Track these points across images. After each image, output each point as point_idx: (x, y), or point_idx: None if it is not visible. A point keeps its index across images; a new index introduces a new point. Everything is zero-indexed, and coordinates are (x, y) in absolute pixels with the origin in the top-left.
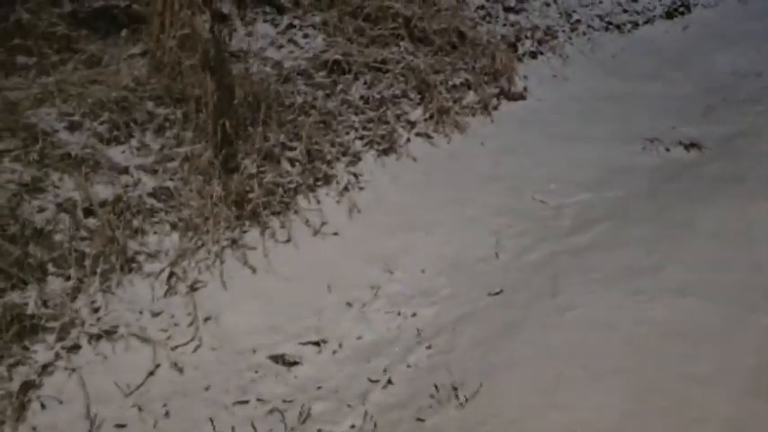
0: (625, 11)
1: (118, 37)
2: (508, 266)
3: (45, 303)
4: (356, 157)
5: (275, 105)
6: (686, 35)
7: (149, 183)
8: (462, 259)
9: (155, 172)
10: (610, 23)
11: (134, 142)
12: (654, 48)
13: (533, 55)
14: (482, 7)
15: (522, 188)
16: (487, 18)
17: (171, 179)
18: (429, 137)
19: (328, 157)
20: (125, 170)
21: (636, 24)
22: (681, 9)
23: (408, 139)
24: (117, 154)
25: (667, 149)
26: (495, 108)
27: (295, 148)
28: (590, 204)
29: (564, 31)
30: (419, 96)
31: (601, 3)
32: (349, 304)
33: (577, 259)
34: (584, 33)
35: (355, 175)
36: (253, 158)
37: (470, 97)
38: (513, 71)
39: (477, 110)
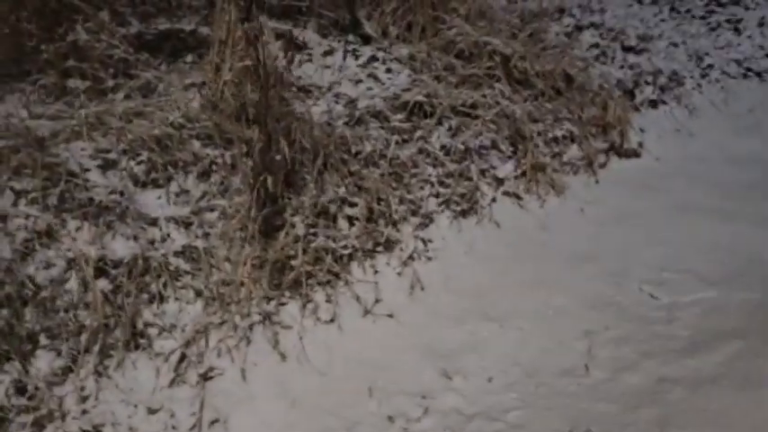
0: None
1: (181, 63)
2: (599, 389)
3: (22, 389)
4: (428, 219)
5: (339, 152)
6: None
7: (179, 239)
8: (542, 368)
9: (187, 226)
10: (749, 70)
11: (173, 187)
12: None
13: (653, 104)
14: (596, 45)
15: (626, 274)
16: (601, 58)
17: (205, 235)
18: (518, 198)
19: (394, 217)
20: (154, 222)
21: None
22: None
23: (493, 200)
24: (151, 200)
25: None
26: (602, 166)
27: (356, 204)
28: (717, 308)
29: (692, 77)
30: (511, 148)
31: (739, 45)
32: (390, 419)
33: (696, 397)
34: (717, 81)
35: (424, 242)
36: (304, 216)
37: (573, 152)
38: (627, 123)
39: (580, 167)
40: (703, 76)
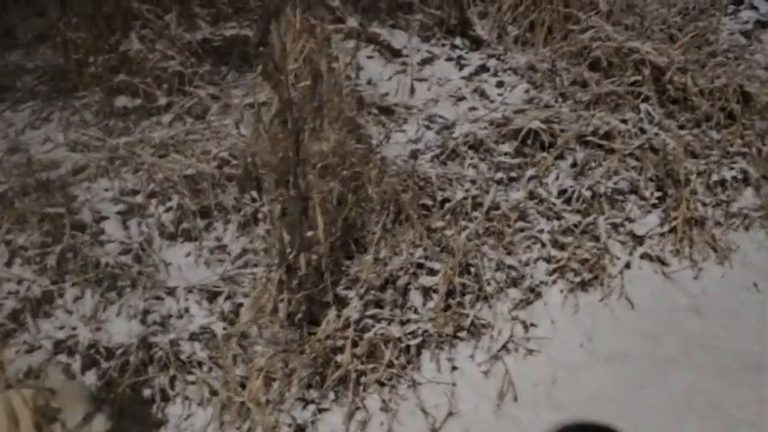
0: None
1: (249, 75)
2: None
3: None
4: (533, 293)
5: (419, 198)
6: None
7: (199, 316)
8: None
9: (214, 297)
10: None
11: (208, 242)
12: None
13: None
14: None
15: None
16: None
17: (233, 312)
18: (663, 264)
19: (487, 290)
20: (171, 292)
21: None
22: None
23: (627, 266)
24: (177, 257)
25: None
26: None
27: (436, 272)
28: None
29: None
30: (657, 194)
31: None
32: None
33: None
34: None
35: (525, 326)
36: (360, 290)
37: (746, 199)
38: None
39: (755, 221)
40: None
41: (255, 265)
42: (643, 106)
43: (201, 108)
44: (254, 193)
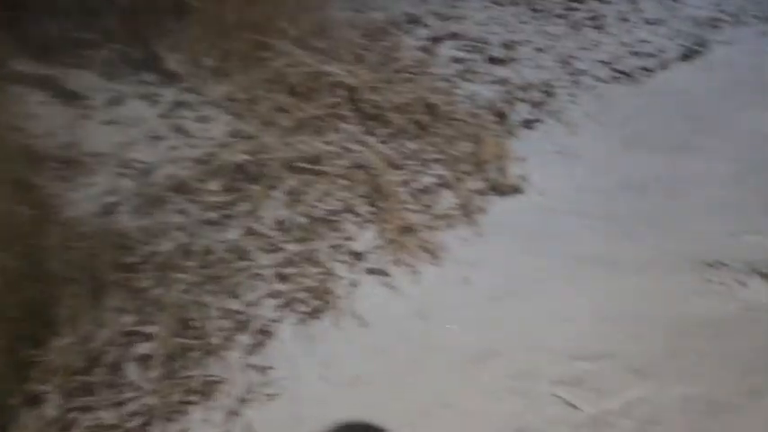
0: (634, 53)
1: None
2: None
3: None
4: (264, 334)
5: (120, 260)
6: (711, 82)
7: None
8: None
9: None
10: (619, 71)
11: None
12: (676, 102)
13: (529, 124)
14: (459, 60)
15: (534, 372)
16: (466, 75)
17: None
18: (386, 275)
19: (212, 342)
20: None
21: (650, 71)
22: (698, 48)
23: (353, 284)
24: None
25: (741, 283)
26: (483, 212)
27: (152, 337)
28: (659, 416)
29: (565, 87)
30: (370, 210)
31: (604, 44)
32: None
33: None
34: (590, 87)
35: (261, 371)
36: (58, 380)
37: (446, 201)
38: (506, 154)
39: (457, 218)
40: (575, 84)
41: None
42: (344, 126)
43: None
44: None
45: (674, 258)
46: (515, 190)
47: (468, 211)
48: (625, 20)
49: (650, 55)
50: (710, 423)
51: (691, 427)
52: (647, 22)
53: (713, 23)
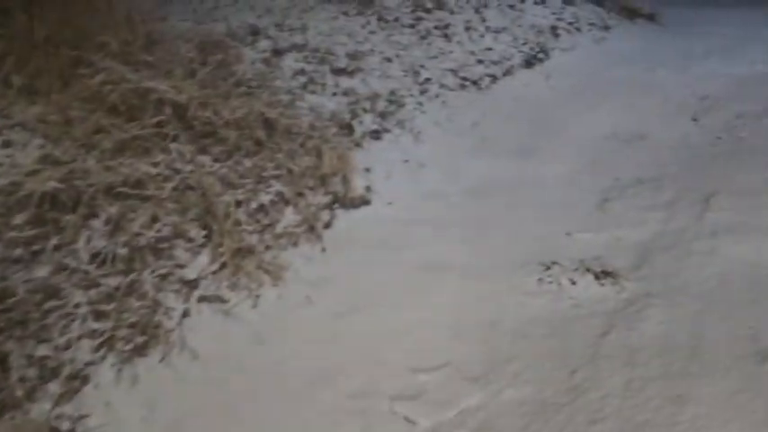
0: (480, 61)
1: None
2: None
3: None
4: (79, 379)
5: None
6: (550, 88)
7: None
8: None
9: None
10: (465, 79)
11: None
12: (519, 108)
13: (376, 135)
14: (302, 72)
15: (373, 390)
16: (310, 87)
17: None
18: (222, 301)
19: (18, 395)
20: None
21: (494, 78)
22: (540, 55)
23: (185, 314)
24: None
25: (573, 282)
26: (327, 226)
27: None
28: (492, 422)
29: (412, 96)
30: (203, 233)
31: (451, 53)
32: None
33: None
34: (437, 96)
35: (76, 419)
36: None
37: (288, 218)
38: (349, 166)
39: (300, 235)
40: (423, 93)
41: None
42: (173, 146)
43: None
44: None
45: (515, 262)
46: (362, 202)
47: (311, 227)
48: (471, 29)
49: (495, 62)
50: (540, 425)
51: (522, 430)
52: (492, 30)
53: (553, 31)
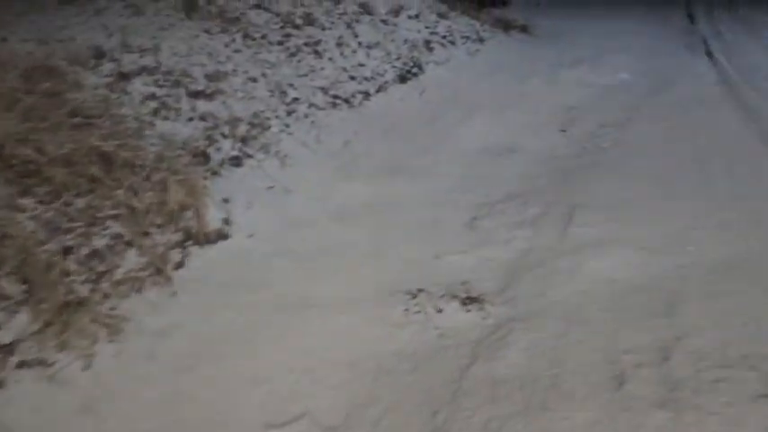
0: (352, 78)
1: None
2: None
3: None
4: None
5: None
6: (425, 103)
7: None
8: None
9: None
10: (336, 97)
11: None
12: (392, 124)
13: (237, 161)
14: (153, 97)
15: None
16: (162, 112)
17: None
18: (47, 365)
19: None
20: None
21: (367, 95)
22: (414, 70)
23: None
24: None
25: (439, 310)
26: (179, 267)
27: None
28: None
29: (278, 117)
30: (23, 288)
31: (323, 70)
32: None
33: None
34: (306, 116)
35: None
36: None
37: (130, 262)
38: (202, 198)
39: (146, 280)
40: (290, 114)
41: None
42: None
43: None
44: None
45: (382, 291)
46: (219, 236)
47: (159, 270)
48: (343, 45)
49: (368, 79)
50: None
51: None
52: (364, 46)
53: (427, 45)
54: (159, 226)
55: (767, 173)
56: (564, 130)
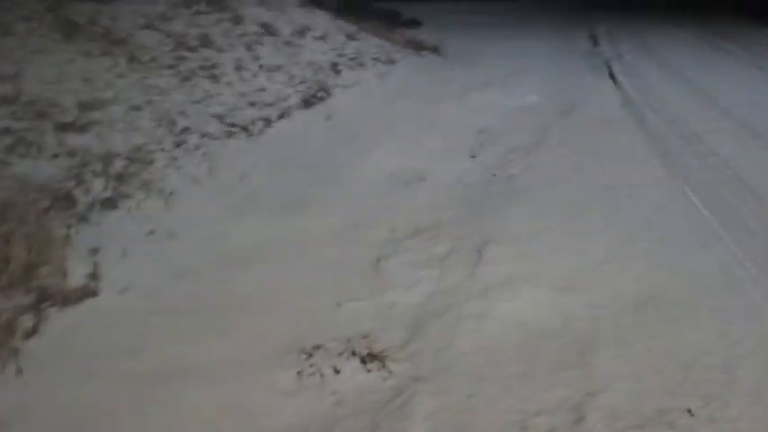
0: (252, 104)
1: None
2: None
3: None
4: None
5: None
6: (331, 129)
7: None
8: None
9: None
10: (233, 125)
11: None
12: (295, 154)
13: (110, 203)
14: (8, 131)
15: None
16: (19, 149)
17: None
18: None
19: None
20: None
21: (268, 121)
22: (320, 94)
23: None
24: None
25: (337, 370)
26: (31, 335)
27: None
28: None
29: (164, 150)
30: None
31: (219, 95)
32: None
33: None
34: (198, 147)
35: None
36: None
37: None
38: (60, 250)
39: None
40: (179, 145)
41: None
42: None
43: None
44: None
45: (273, 351)
46: (84, 294)
47: (4, 341)
48: (242, 68)
49: (269, 104)
50: None
51: None
52: (266, 69)
53: (334, 68)
54: (4, 288)
55: (670, 198)
56: (474, 156)
